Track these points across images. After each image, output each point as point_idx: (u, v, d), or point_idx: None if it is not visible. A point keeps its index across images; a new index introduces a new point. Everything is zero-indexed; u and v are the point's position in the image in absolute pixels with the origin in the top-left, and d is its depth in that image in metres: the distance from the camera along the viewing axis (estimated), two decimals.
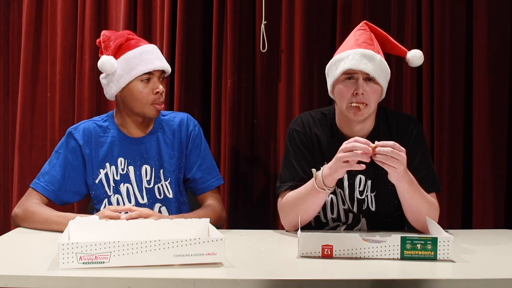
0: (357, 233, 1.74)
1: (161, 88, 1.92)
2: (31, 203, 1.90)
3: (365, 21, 1.91)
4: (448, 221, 2.32)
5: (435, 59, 2.37)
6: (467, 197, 2.40)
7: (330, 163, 1.70)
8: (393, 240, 1.47)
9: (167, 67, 1.97)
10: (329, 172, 1.69)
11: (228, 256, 1.43)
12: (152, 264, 1.34)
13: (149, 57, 1.93)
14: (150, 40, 2.50)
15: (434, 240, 1.45)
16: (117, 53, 1.91)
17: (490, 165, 2.36)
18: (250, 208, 2.48)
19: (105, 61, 1.88)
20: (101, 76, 1.96)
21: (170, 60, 2.38)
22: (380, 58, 1.79)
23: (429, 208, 1.76)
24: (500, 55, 2.37)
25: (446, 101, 2.38)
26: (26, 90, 2.59)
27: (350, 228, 1.90)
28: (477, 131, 2.36)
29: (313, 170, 1.75)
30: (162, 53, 2.04)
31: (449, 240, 1.46)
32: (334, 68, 1.81)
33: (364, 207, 1.88)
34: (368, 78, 1.77)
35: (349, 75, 1.78)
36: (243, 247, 1.64)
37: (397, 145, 1.61)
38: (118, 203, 1.96)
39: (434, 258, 1.45)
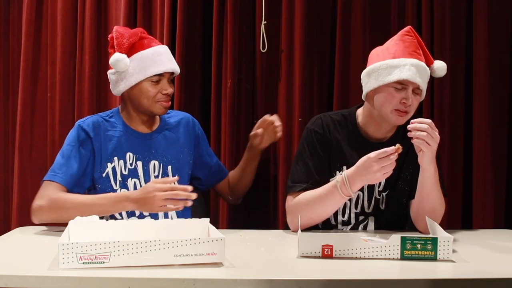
0: (357, 233, 1.75)
1: (170, 90, 1.95)
2: (54, 192, 1.83)
3: (410, 26, 1.89)
4: (448, 221, 2.32)
5: (435, 59, 2.37)
6: (467, 197, 2.40)
7: (358, 173, 1.68)
8: (393, 240, 1.47)
9: (177, 69, 2.00)
10: (360, 183, 1.70)
11: (228, 256, 1.43)
12: (152, 264, 1.35)
13: (161, 59, 1.94)
14: None
15: (434, 240, 1.46)
16: (129, 52, 1.92)
17: (490, 165, 2.35)
18: (250, 208, 2.48)
19: (119, 59, 1.88)
20: (110, 71, 1.96)
21: None
22: (428, 70, 1.84)
23: (441, 203, 1.79)
24: (500, 55, 2.37)
25: (446, 101, 2.38)
26: (26, 90, 2.59)
27: (356, 226, 1.91)
28: (477, 132, 2.36)
29: (336, 177, 1.76)
30: None
31: (449, 240, 1.46)
32: (386, 73, 1.79)
33: (376, 206, 1.90)
34: (416, 91, 1.81)
35: (402, 84, 1.78)
36: (243, 247, 1.64)
37: (433, 124, 1.65)
38: None
39: (434, 258, 1.45)
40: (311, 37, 2.44)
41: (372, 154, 1.66)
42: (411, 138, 1.67)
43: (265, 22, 2.42)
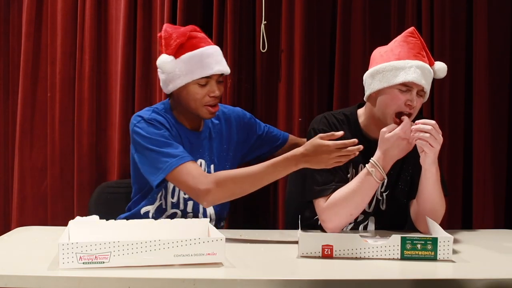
0: (357, 233, 1.75)
1: (217, 93, 1.91)
2: (206, 173, 1.81)
3: (413, 27, 1.89)
4: (448, 221, 2.32)
5: (435, 59, 2.37)
6: (467, 197, 2.40)
7: (389, 153, 1.71)
8: (393, 240, 1.47)
9: (225, 70, 1.94)
10: (392, 162, 1.72)
11: (228, 256, 1.43)
12: (152, 264, 1.35)
13: (208, 61, 1.89)
14: (150, 40, 2.50)
15: (434, 240, 1.46)
16: (177, 53, 1.88)
17: (490, 165, 2.36)
18: (250, 208, 2.48)
19: (166, 62, 1.87)
20: (159, 70, 1.94)
21: None
22: (432, 72, 1.84)
23: (442, 204, 1.78)
24: (500, 55, 2.37)
25: (446, 101, 2.38)
26: (26, 90, 2.59)
27: (356, 226, 1.91)
28: (477, 131, 2.36)
29: (367, 165, 1.75)
30: None
31: (449, 240, 1.46)
32: (391, 75, 1.79)
33: (376, 206, 1.89)
34: (420, 93, 1.81)
35: (406, 86, 1.78)
36: (243, 247, 1.64)
37: (437, 125, 1.66)
38: (173, 192, 1.92)
39: (434, 258, 1.45)
40: (311, 37, 2.44)
41: (398, 130, 1.70)
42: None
43: (265, 22, 2.42)
